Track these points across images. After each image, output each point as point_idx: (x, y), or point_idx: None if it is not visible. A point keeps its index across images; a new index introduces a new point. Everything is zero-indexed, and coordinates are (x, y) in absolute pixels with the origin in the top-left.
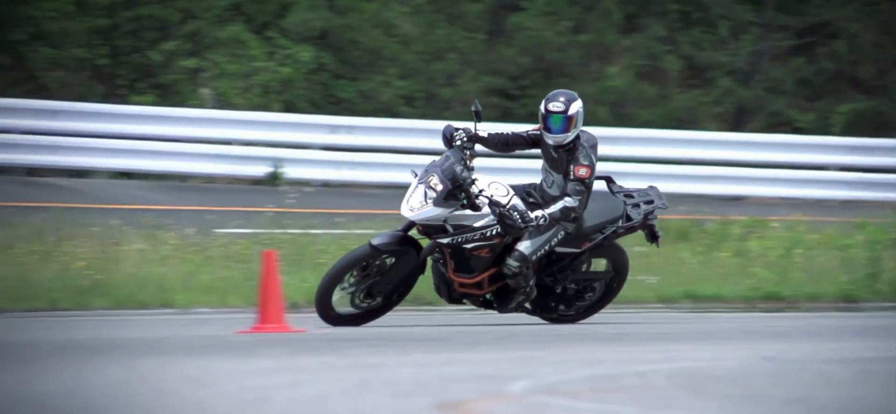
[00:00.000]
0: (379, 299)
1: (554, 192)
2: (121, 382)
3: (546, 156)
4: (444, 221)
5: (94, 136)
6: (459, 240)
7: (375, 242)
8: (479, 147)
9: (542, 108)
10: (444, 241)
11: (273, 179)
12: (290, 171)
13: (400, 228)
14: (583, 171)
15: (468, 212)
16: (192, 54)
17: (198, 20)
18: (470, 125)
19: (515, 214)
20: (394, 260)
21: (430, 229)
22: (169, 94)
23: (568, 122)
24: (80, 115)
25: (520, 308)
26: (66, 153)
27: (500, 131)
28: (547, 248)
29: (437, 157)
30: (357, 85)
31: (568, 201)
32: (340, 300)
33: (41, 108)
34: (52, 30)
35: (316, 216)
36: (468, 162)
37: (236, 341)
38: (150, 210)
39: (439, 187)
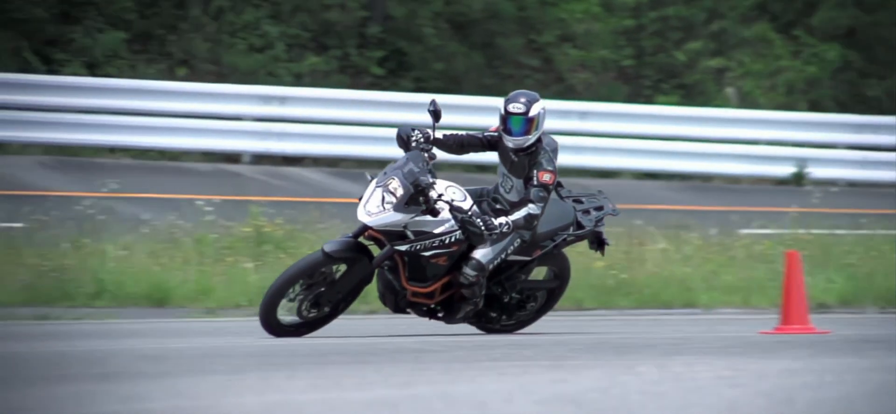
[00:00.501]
0: (326, 309)
1: (513, 197)
2: (654, 381)
3: (504, 159)
4: (404, 226)
5: (619, 137)
6: (418, 247)
7: (328, 248)
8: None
9: (501, 108)
10: (403, 247)
11: (797, 179)
12: (815, 171)
13: (350, 234)
14: (546, 177)
15: (428, 218)
16: (716, 54)
17: (723, 19)
18: (427, 127)
19: (478, 220)
20: (345, 268)
21: (387, 235)
22: (693, 94)
23: (528, 124)
24: (606, 116)
25: (467, 318)
26: (593, 154)
27: (455, 133)
28: (503, 256)
29: (395, 160)
30: (885, 84)
31: (532, 208)
32: (286, 309)
33: (569, 110)
34: (580, 31)
35: (841, 217)
36: (427, 165)
37: (760, 342)
38: (674, 210)
39: (399, 192)
